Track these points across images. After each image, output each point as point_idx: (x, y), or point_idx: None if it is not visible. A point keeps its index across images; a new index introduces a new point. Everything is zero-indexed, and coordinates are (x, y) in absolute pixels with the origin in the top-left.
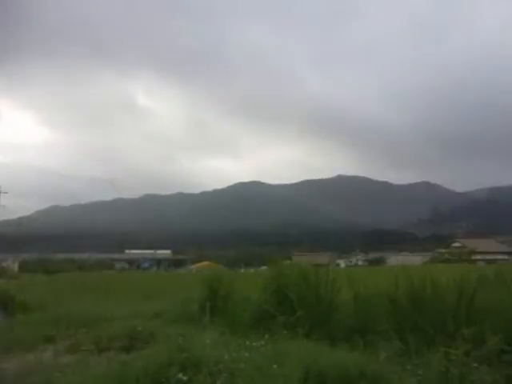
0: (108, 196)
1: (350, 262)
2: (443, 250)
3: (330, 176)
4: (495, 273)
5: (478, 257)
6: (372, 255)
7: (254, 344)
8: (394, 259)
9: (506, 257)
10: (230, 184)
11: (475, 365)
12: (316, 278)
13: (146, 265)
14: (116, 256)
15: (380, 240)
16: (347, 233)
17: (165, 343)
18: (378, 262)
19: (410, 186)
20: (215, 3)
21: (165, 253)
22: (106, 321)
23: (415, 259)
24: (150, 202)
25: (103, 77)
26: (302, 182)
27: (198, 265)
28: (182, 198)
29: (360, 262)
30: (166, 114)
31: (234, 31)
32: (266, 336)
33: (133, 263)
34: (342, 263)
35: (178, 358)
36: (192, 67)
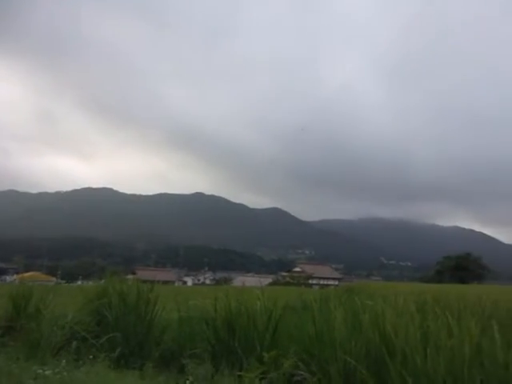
0: None
1: (198, 280)
2: (285, 274)
3: (189, 192)
4: (319, 297)
5: (314, 281)
6: (220, 274)
7: (47, 372)
8: (240, 280)
9: (336, 282)
10: (77, 188)
11: None
12: (137, 296)
13: None
14: None
15: (230, 260)
16: (198, 251)
17: None
18: (225, 281)
19: (264, 210)
20: None
21: None
22: None
23: (260, 281)
24: None
25: None
26: (158, 194)
27: (23, 275)
28: (15, 197)
29: (208, 281)
30: (3, 101)
31: (102, 26)
32: (64, 362)
33: None
34: (190, 281)
35: None
36: (45, 55)
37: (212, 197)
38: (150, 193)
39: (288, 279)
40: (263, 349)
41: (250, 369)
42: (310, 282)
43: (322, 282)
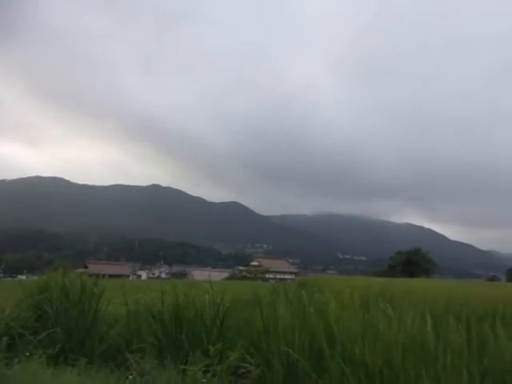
0: None
1: (153, 274)
2: (242, 268)
3: (145, 184)
4: (271, 290)
5: (271, 276)
6: (176, 268)
7: None
8: (197, 274)
9: (293, 276)
10: (24, 176)
11: (204, 380)
12: (81, 291)
13: None
14: None
15: (186, 254)
16: (154, 244)
17: None
18: (182, 275)
19: (222, 204)
20: None
21: None
22: None
23: (216, 275)
24: None
25: None
26: (113, 185)
27: None
28: None
29: (163, 275)
30: None
31: (54, 13)
32: None
33: None
34: (144, 275)
35: None
36: None
37: (169, 189)
38: (104, 183)
39: (245, 273)
40: (210, 342)
41: (194, 362)
42: (267, 276)
43: (278, 276)
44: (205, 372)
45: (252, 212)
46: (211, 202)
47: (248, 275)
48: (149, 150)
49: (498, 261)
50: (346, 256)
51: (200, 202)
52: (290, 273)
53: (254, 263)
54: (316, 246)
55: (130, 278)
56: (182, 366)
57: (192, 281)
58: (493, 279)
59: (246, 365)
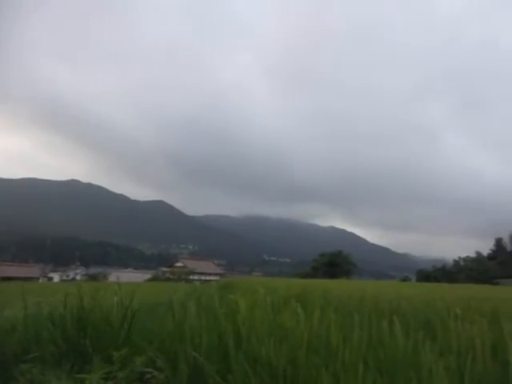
0: None
1: (68, 276)
2: (166, 269)
3: (62, 179)
4: (189, 292)
5: (196, 277)
6: (94, 270)
7: None
8: (116, 275)
9: (218, 278)
10: None
11: None
12: None
13: None
14: None
15: (106, 254)
16: (70, 243)
17: None
18: (100, 277)
19: (147, 202)
20: None
21: None
22: None
23: (138, 276)
24: None
25: None
26: (24, 179)
27: None
28: None
29: (79, 277)
30: None
31: None
32: None
33: None
34: (57, 277)
35: None
36: None
37: (89, 185)
38: (14, 177)
39: (168, 275)
40: (118, 347)
41: (95, 369)
42: (192, 277)
43: (203, 277)
44: (107, 379)
45: (178, 211)
46: (135, 200)
47: (172, 277)
48: (68, 142)
49: (412, 263)
50: (272, 258)
51: (123, 199)
52: (216, 274)
53: (179, 264)
54: (243, 248)
55: (40, 280)
56: (79, 375)
57: (104, 283)
58: (405, 280)
59: (151, 370)
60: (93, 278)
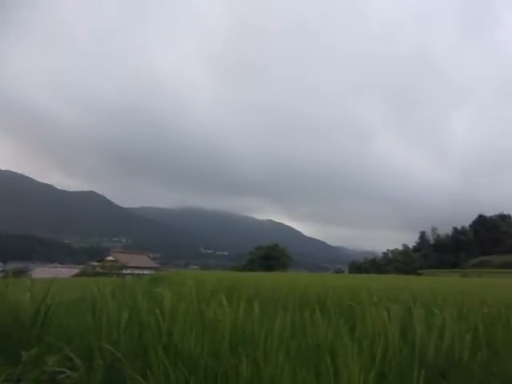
0: None
1: None
2: (96, 263)
3: None
4: (113, 287)
5: (129, 271)
6: (14, 265)
7: None
8: (40, 271)
9: (152, 272)
10: None
11: None
12: None
13: None
14: None
15: (30, 248)
16: None
17: None
18: (20, 273)
19: (76, 193)
20: None
21: None
22: None
23: (64, 271)
24: None
25: None
26: None
27: None
28: None
29: None
30: None
31: None
32: None
33: None
34: None
35: None
36: None
37: (9, 173)
38: None
39: (99, 269)
40: (29, 346)
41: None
42: (124, 271)
43: (136, 271)
44: (17, 381)
45: (111, 203)
46: (63, 191)
47: (102, 271)
48: None
49: (346, 256)
50: (209, 251)
51: (49, 189)
52: (150, 268)
53: (110, 258)
54: (179, 241)
55: None
56: None
57: (21, 279)
58: (338, 272)
59: (65, 370)
60: (14, 274)
